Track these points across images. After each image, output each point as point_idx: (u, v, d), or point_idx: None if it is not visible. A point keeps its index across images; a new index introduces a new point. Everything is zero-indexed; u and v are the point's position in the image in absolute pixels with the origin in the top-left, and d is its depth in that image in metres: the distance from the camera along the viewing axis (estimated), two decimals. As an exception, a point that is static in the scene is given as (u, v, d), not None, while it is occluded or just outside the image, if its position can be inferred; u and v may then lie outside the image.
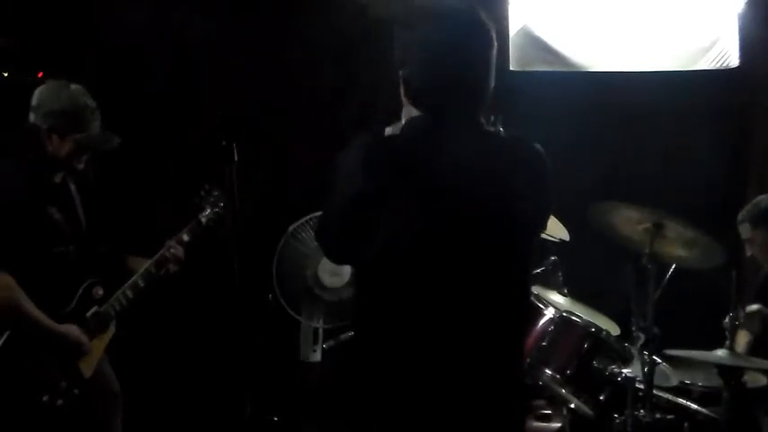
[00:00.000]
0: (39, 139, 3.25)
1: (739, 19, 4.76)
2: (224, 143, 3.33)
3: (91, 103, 3.32)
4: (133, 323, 4.03)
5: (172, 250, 3.51)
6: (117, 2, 4.66)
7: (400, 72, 2.22)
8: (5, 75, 3.93)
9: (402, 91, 2.24)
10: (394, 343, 2.18)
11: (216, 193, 3.72)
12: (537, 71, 4.90)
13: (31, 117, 3.27)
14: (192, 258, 3.73)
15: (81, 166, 3.36)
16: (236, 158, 3.29)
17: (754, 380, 3.64)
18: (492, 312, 2.19)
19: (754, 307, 3.72)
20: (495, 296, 2.19)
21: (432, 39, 2.20)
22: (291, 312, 4.24)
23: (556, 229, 3.88)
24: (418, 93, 2.21)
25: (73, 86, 3.33)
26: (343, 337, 4.22)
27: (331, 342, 4.28)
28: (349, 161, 2.20)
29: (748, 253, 3.93)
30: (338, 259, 2.55)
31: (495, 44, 2.24)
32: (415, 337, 2.16)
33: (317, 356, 4.33)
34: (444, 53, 2.19)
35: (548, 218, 2.40)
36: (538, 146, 2.25)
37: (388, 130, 2.25)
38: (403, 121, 2.25)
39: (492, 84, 2.25)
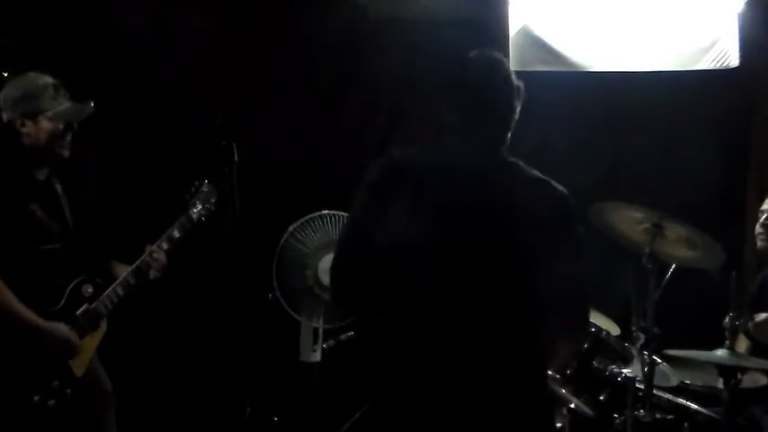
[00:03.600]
0: (14, 133, 3.25)
1: (739, 19, 4.75)
2: (224, 143, 3.33)
3: (51, 80, 3.33)
4: (134, 323, 4.04)
5: (154, 255, 3.51)
6: (117, 2, 4.66)
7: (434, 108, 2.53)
8: (5, 75, 3.93)
9: (434, 126, 2.55)
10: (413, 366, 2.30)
11: (206, 189, 3.71)
12: (537, 71, 4.89)
13: (3, 117, 3.28)
14: (191, 258, 3.73)
15: (66, 152, 3.35)
16: (236, 158, 3.29)
17: (754, 380, 3.64)
18: (503, 336, 2.30)
19: (763, 316, 3.72)
20: (502, 301, 2.29)
21: (460, 81, 2.48)
22: (291, 312, 4.24)
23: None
24: (447, 127, 2.45)
25: (30, 73, 3.35)
26: (343, 337, 4.22)
27: (331, 342, 4.28)
28: (367, 183, 2.36)
29: (759, 230, 3.94)
30: (344, 291, 2.49)
31: (517, 86, 2.48)
32: (431, 363, 2.28)
33: (317, 356, 4.33)
34: (472, 93, 2.45)
35: (572, 253, 2.48)
36: (562, 188, 2.44)
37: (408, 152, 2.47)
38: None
39: (514, 122, 2.48)
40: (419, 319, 2.28)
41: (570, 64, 4.89)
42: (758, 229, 3.96)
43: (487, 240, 2.31)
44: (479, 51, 2.51)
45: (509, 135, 2.49)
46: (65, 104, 3.33)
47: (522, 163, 2.45)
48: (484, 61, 2.50)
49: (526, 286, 2.32)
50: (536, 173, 2.45)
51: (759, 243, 3.96)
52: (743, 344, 3.80)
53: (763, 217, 3.96)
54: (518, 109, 2.49)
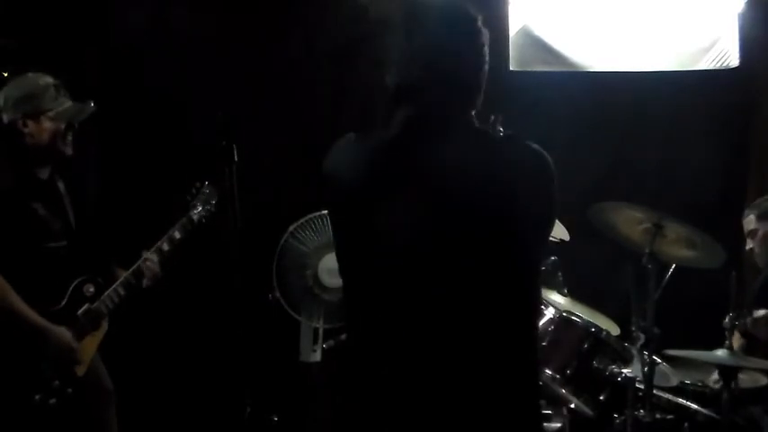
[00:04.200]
0: (16, 133, 3.26)
1: (739, 19, 4.75)
2: (224, 143, 3.33)
3: (52, 81, 3.35)
4: (135, 323, 4.05)
5: (148, 263, 3.50)
6: (117, 2, 4.66)
7: (387, 77, 2.11)
8: (5, 75, 3.94)
9: (388, 96, 2.13)
10: (386, 351, 2.10)
11: (207, 191, 3.72)
12: (537, 71, 4.89)
13: (4, 118, 3.29)
14: (191, 258, 3.73)
15: (69, 150, 3.36)
16: (236, 158, 3.29)
17: (753, 380, 3.64)
18: (492, 315, 2.06)
19: (762, 312, 3.72)
20: (493, 298, 2.05)
21: (413, 37, 2.07)
22: (291, 312, 4.24)
23: (556, 229, 3.88)
24: (402, 93, 2.09)
25: (29, 74, 3.38)
26: (343, 337, 4.22)
27: (331, 342, 4.28)
28: (333, 164, 2.22)
29: (748, 246, 3.94)
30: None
31: (485, 37, 2.11)
32: (407, 345, 2.07)
33: (317, 356, 4.33)
34: (427, 49, 2.06)
35: (550, 219, 2.17)
36: (537, 147, 2.07)
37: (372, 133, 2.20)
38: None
39: (483, 78, 2.12)
40: (405, 315, 2.06)
41: (570, 64, 4.89)
42: (753, 248, 3.97)
43: (476, 232, 2.01)
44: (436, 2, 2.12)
45: (480, 98, 2.10)
46: (66, 104, 3.34)
47: (491, 130, 2.14)
48: (441, 6, 2.10)
49: (522, 272, 2.08)
50: (504, 135, 2.12)
51: (760, 262, 3.97)
52: (737, 341, 3.81)
53: (748, 247, 3.97)
54: (487, 60, 2.11)
